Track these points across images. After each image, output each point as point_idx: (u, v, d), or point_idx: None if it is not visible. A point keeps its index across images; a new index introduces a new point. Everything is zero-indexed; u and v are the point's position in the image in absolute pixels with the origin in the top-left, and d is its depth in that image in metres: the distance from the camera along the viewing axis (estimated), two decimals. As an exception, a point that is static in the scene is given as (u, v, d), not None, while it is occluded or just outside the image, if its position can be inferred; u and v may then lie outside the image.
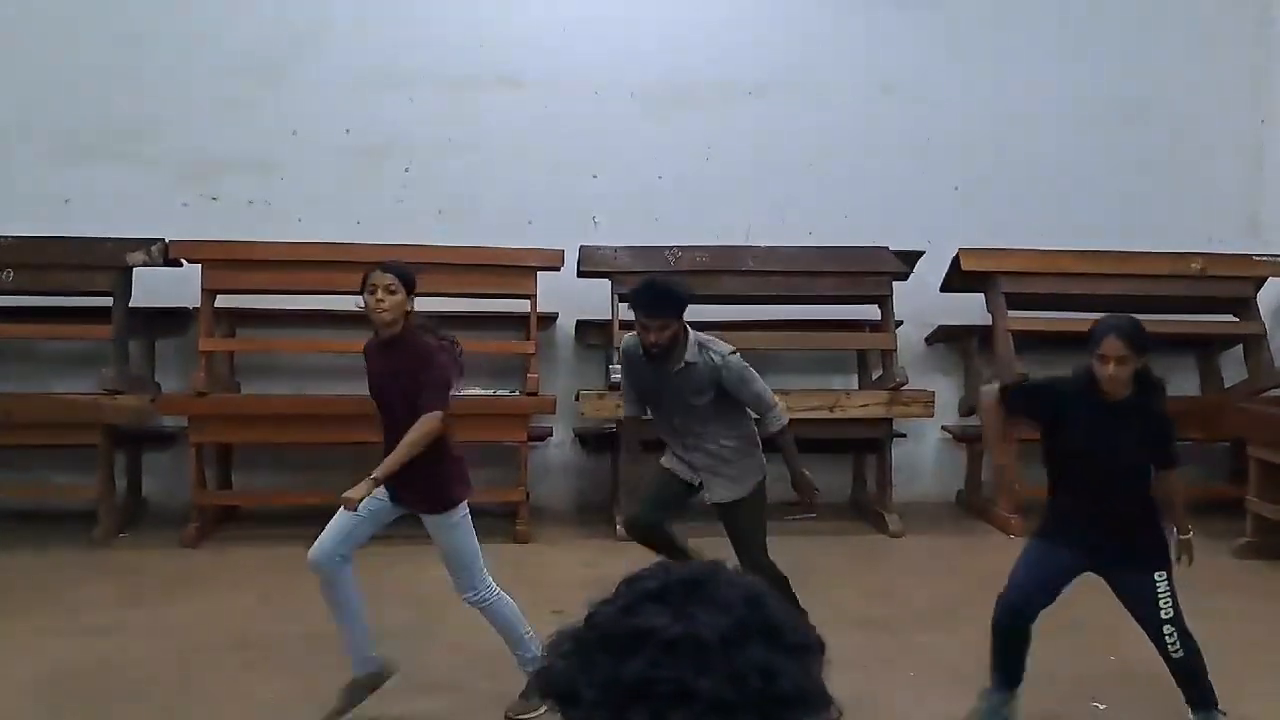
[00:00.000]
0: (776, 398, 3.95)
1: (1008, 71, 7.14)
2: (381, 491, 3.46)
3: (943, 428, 7.09)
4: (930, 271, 6.59)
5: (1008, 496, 6.34)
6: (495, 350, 6.64)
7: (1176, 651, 3.31)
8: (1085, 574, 3.40)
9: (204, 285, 6.05)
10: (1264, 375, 6.52)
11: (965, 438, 7.06)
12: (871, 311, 6.63)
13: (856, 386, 6.78)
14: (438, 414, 3.40)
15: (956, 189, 7.09)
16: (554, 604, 4.33)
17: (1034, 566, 3.39)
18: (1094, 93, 7.19)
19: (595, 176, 6.89)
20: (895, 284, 6.51)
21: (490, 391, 6.27)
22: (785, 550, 5.77)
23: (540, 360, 6.37)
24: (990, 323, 6.56)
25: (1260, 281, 6.74)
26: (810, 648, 0.91)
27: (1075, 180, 7.15)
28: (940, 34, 7.13)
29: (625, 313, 6.33)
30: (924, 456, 7.27)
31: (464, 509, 3.53)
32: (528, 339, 6.24)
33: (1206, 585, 4.99)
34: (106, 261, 5.98)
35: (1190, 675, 3.36)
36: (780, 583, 3.79)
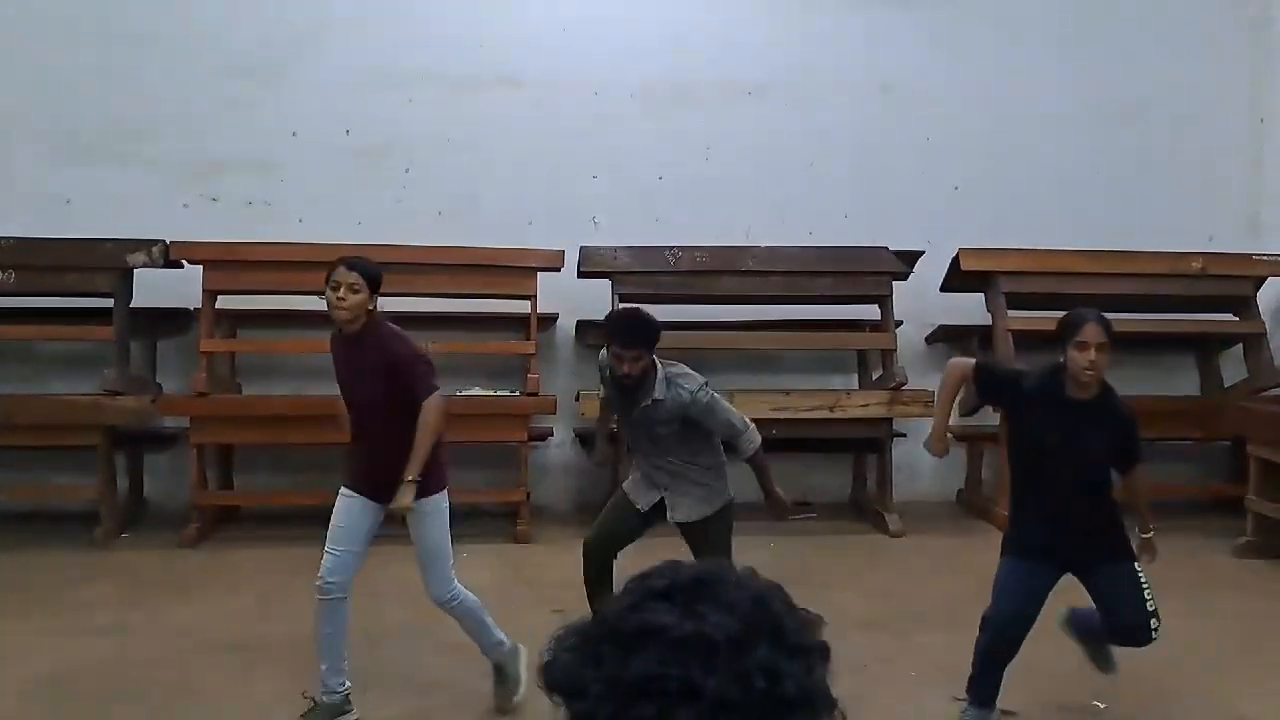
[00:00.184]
0: (748, 420, 3.92)
1: (1007, 71, 7.14)
2: (365, 506, 3.46)
3: (943, 427, 7.08)
4: (930, 271, 6.59)
5: (1006, 496, 6.34)
6: (495, 350, 6.65)
7: (1155, 637, 3.29)
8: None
9: (205, 286, 6.05)
10: (1264, 374, 6.53)
11: (965, 437, 7.06)
12: (871, 311, 6.63)
13: (857, 386, 6.78)
14: (437, 395, 3.43)
15: (956, 189, 7.10)
16: (554, 603, 4.35)
17: (1015, 590, 3.35)
18: (1094, 93, 7.19)
19: (595, 177, 6.89)
20: (895, 284, 6.52)
21: (490, 392, 6.27)
22: (786, 550, 5.81)
23: (540, 361, 6.37)
24: (990, 322, 6.57)
25: (1260, 281, 6.74)
26: (815, 649, 0.91)
27: (1075, 180, 7.16)
28: (940, 34, 7.14)
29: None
30: (924, 456, 7.13)
31: (444, 501, 3.53)
32: (528, 339, 6.24)
33: (1206, 584, 5.00)
34: (107, 262, 5.98)
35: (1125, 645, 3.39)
36: None
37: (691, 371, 3.86)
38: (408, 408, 3.43)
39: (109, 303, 6.00)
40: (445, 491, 3.54)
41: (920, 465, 7.26)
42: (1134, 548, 3.39)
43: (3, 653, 4.21)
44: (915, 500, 6.87)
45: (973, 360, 3.64)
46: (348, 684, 3.52)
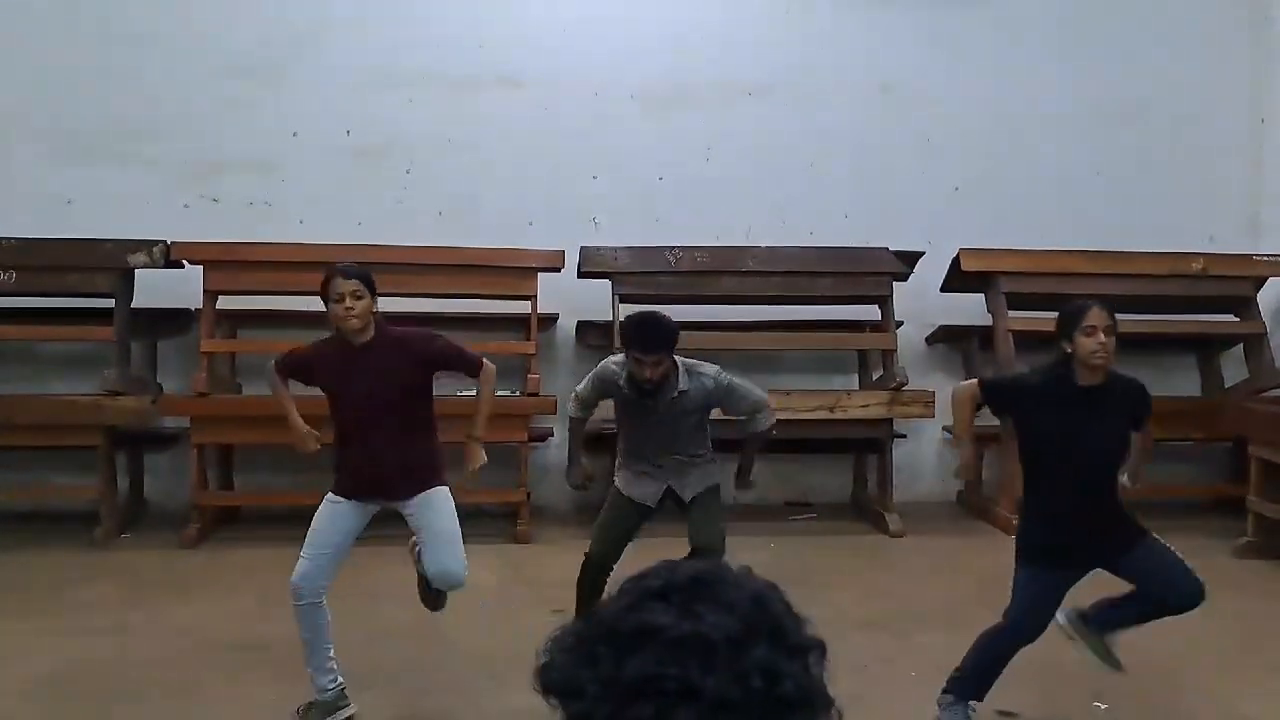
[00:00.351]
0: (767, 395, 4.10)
1: (1008, 72, 7.14)
2: (351, 511, 3.45)
3: (943, 428, 7.08)
4: (930, 272, 6.59)
5: (1008, 496, 6.34)
6: (496, 351, 6.61)
7: (1200, 584, 3.29)
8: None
9: (205, 286, 6.05)
10: (1264, 375, 6.53)
11: (966, 438, 7.06)
12: (872, 312, 6.63)
13: (857, 387, 6.78)
14: (485, 362, 3.60)
15: (957, 189, 7.10)
16: (554, 604, 4.34)
17: (1040, 600, 3.36)
18: (1094, 93, 7.19)
19: (595, 177, 6.90)
20: (895, 284, 6.52)
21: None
22: (786, 550, 5.81)
23: (541, 361, 6.37)
24: (990, 323, 6.56)
25: (1260, 281, 6.74)
26: (813, 649, 0.91)
27: (1075, 180, 7.16)
28: (940, 34, 7.14)
29: (625, 314, 6.34)
30: (924, 457, 7.27)
31: (450, 494, 3.57)
32: (528, 340, 6.24)
33: (1207, 585, 4.99)
34: (108, 263, 5.98)
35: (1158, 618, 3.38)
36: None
37: (702, 361, 3.97)
38: (416, 406, 3.50)
39: (109, 303, 6.01)
40: (446, 487, 3.57)
41: (921, 466, 7.27)
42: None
43: (3, 652, 4.22)
44: (916, 501, 6.87)
45: (974, 381, 3.64)
46: (339, 680, 3.51)
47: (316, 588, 3.43)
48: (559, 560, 5.62)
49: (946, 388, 6.93)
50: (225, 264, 6.07)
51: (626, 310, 6.26)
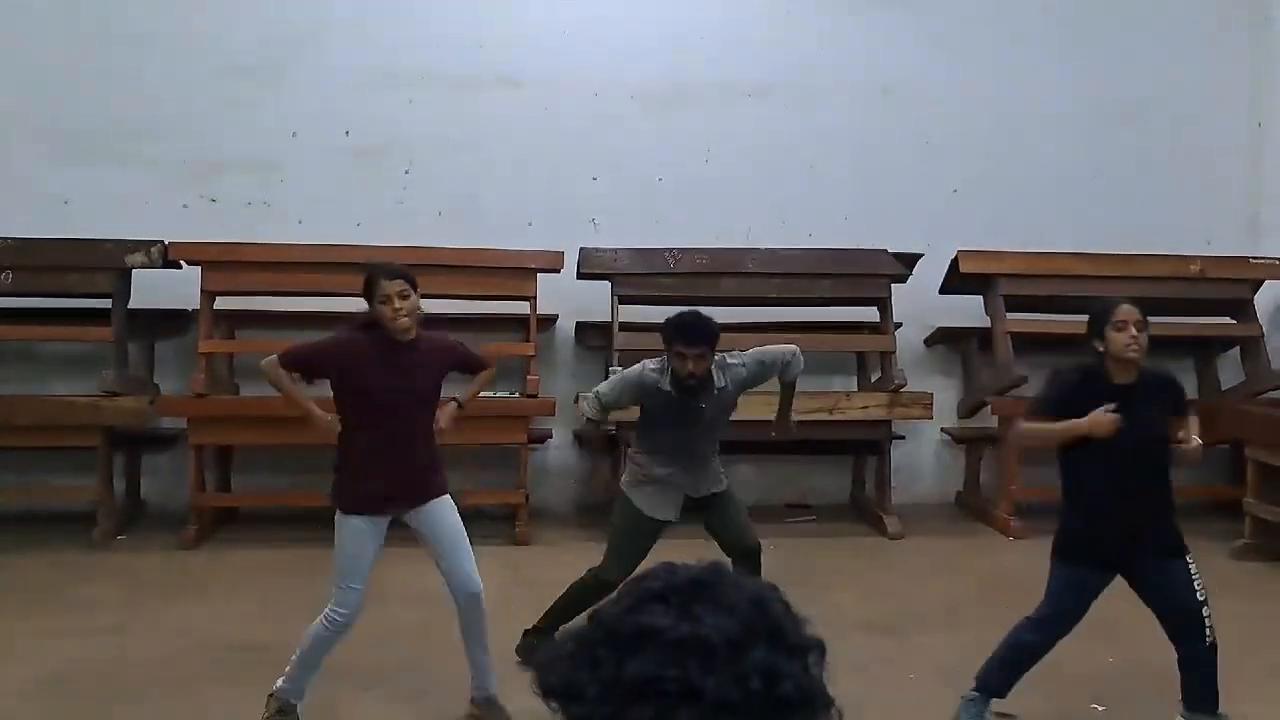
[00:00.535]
0: (787, 348, 4.21)
1: (1007, 73, 7.15)
2: (376, 525, 3.43)
3: (942, 430, 7.09)
4: (929, 273, 6.59)
5: (1006, 499, 6.35)
6: (495, 352, 6.61)
7: (1209, 636, 3.30)
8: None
9: (203, 287, 6.05)
10: (1261, 377, 6.54)
11: (964, 439, 7.07)
12: (870, 313, 6.64)
13: (856, 388, 6.78)
14: (490, 365, 3.75)
15: (955, 191, 7.11)
16: (553, 605, 4.34)
17: (1071, 602, 3.37)
18: (1092, 94, 7.20)
19: (595, 178, 6.90)
20: (894, 286, 6.52)
21: (490, 393, 6.26)
22: (785, 551, 5.81)
23: (540, 362, 6.37)
24: (989, 324, 6.57)
25: (1258, 284, 6.75)
26: (812, 650, 0.92)
27: (1074, 182, 7.16)
28: (940, 35, 7.14)
29: (625, 315, 6.36)
30: (923, 458, 7.28)
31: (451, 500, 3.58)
32: (527, 341, 6.24)
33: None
34: (106, 263, 5.98)
35: (1209, 665, 3.35)
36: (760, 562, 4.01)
37: (721, 353, 4.05)
38: (434, 408, 3.57)
39: (108, 303, 6.00)
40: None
41: (919, 467, 7.28)
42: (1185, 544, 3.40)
43: (2, 653, 4.22)
44: (914, 502, 6.87)
45: (1024, 422, 3.56)
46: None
47: (356, 616, 3.42)
48: (558, 562, 5.62)
49: (945, 389, 7.01)
50: (223, 264, 6.07)
51: (626, 311, 6.33)
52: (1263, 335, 6.64)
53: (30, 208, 6.41)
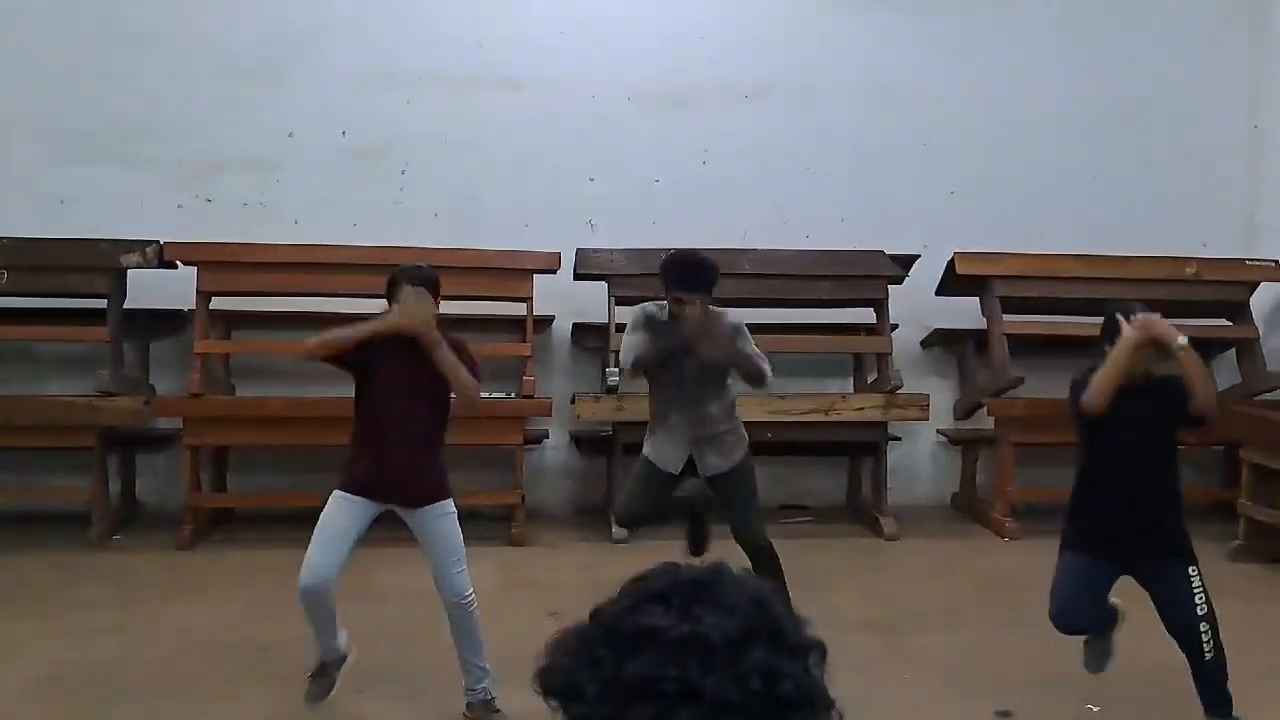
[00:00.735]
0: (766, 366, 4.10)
1: (1004, 75, 7.15)
2: (360, 505, 3.45)
3: (938, 431, 7.10)
4: (926, 275, 6.60)
5: (1002, 500, 6.36)
6: (492, 353, 6.63)
7: (1209, 650, 3.34)
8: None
9: (199, 287, 6.04)
10: (1257, 379, 6.55)
11: (960, 441, 7.08)
12: (867, 315, 6.64)
13: (852, 390, 6.78)
14: (478, 386, 3.56)
15: (953, 193, 7.11)
16: (550, 607, 4.35)
17: (1079, 588, 3.42)
18: (1090, 96, 7.21)
19: (592, 179, 6.89)
20: (891, 287, 6.53)
21: (486, 394, 6.25)
22: (783, 553, 5.79)
23: (536, 363, 6.37)
24: (985, 326, 6.58)
25: (1253, 286, 6.77)
26: (812, 650, 0.92)
27: (1071, 184, 7.17)
28: (938, 37, 7.15)
29: (621, 316, 6.35)
30: (919, 460, 7.28)
31: (452, 505, 3.57)
32: (524, 341, 6.24)
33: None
34: (102, 263, 5.97)
35: (1214, 676, 3.39)
36: (775, 560, 4.09)
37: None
38: (440, 408, 3.57)
39: (104, 303, 5.99)
40: (451, 499, 3.58)
41: (916, 468, 7.28)
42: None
43: (1, 653, 4.21)
44: (910, 504, 6.87)
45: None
46: (343, 636, 3.55)
47: (317, 583, 3.42)
48: (555, 563, 5.64)
49: (941, 391, 7.01)
50: (219, 265, 6.06)
51: (623, 312, 6.31)
52: (1259, 337, 6.66)
53: (28, 207, 6.40)
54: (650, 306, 4.15)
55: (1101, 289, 6.33)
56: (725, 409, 4.15)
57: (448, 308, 6.29)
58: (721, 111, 7.01)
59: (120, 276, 6.04)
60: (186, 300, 6.15)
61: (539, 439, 6.64)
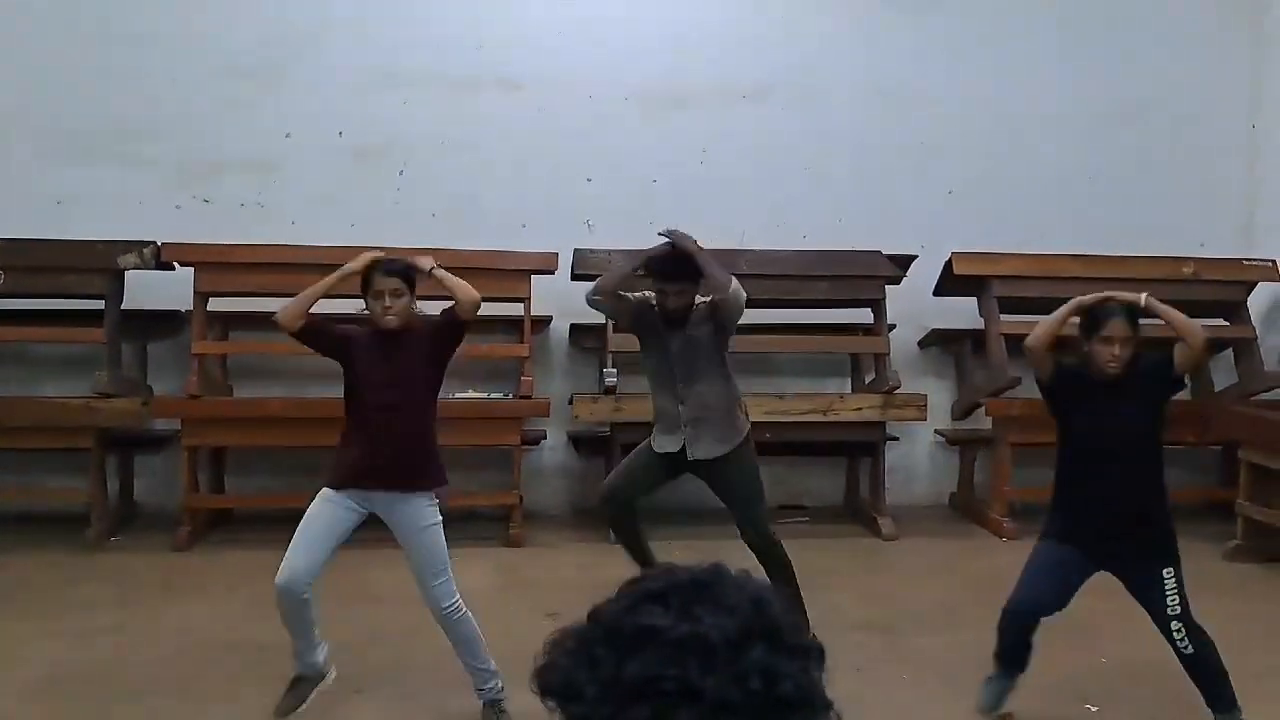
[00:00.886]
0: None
1: (1002, 75, 7.16)
2: (345, 506, 3.44)
3: (936, 431, 7.10)
4: (924, 275, 6.60)
5: (1000, 500, 6.37)
6: (489, 353, 6.64)
7: (1186, 648, 3.35)
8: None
9: (197, 288, 6.03)
10: (1254, 379, 6.56)
11: (958, 441, 7.08)
12: (865, 315, 6.65)
13: (850, 390, 6.79)
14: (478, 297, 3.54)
15: (951, 193, 7.11)
16: (548, 607, 4.35)
17: (1043, 573, 3.40)
18: (1088, 97, 7.21)
19: (590, 179, 6.89)
20: (889, 287, 6.53)
21: (484, 394, 6.27)
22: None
23: (534, 363, 6.37)
24: (983, 326, 6.58)
25: (1251, 286, 6.78)
26: (811, 650, 0.92)
27: (1069, 184, 7.18)
28: (936, 38, 7.16)
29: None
30: (917, 460, 7.29)
31: (438, 513, 3.52)
32: (522, 342, 6.24)
33: (1197, 589, 5.00)
34: (98, 264, 5.96)
35: (1203, 671, 3.40)
36: (784, 559, 4.09)
37: None
38: (428, 399, 3.54)
39: (101, 304, 5.99)
40: (437, 506, 3.53)
41: (914, 469, 7.29)
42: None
43: (0, 654, 4.21)
44: (909, 504, 6.88)
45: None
46: (322, 653, 3.53)
47: (308, 584, 3.42)
48: (552, 564, 5.63)
49: (939, 391, 7.02)
50: (216, 265, 6.06)
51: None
52: (1256, 337, 6.67)
53: (26, 208, 6.39)
54: (639, 293, 4.24)
55: (1099, 289, 6.29)
56: (720, 393, 4.12)
57: (444, 307, 6.35)
58: (720, 112, 7.01)
59: (118, 277, 6.04)
60: (184, 301, 6.15)
61: (537, 439, 6.64)
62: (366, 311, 3.54)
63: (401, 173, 6.82)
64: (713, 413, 4.10)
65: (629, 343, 6.01)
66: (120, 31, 6.58)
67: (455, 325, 3.59)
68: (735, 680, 0.85)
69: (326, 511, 3.45)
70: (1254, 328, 6.70)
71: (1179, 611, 3.34)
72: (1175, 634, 3.34)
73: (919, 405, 6.35)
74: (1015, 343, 6.39)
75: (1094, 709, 3.75)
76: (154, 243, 5.98)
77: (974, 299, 6.65)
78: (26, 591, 5.08)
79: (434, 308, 3.92)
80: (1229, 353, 6.89)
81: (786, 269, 6.52)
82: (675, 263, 3.98)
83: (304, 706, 3.53)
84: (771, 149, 7.01)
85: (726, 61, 7.00)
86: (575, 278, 6.38)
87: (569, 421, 6.54)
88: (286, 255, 5.96)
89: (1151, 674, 3.77)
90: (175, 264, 6.08)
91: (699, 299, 4.07)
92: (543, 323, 6.69)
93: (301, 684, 3.55)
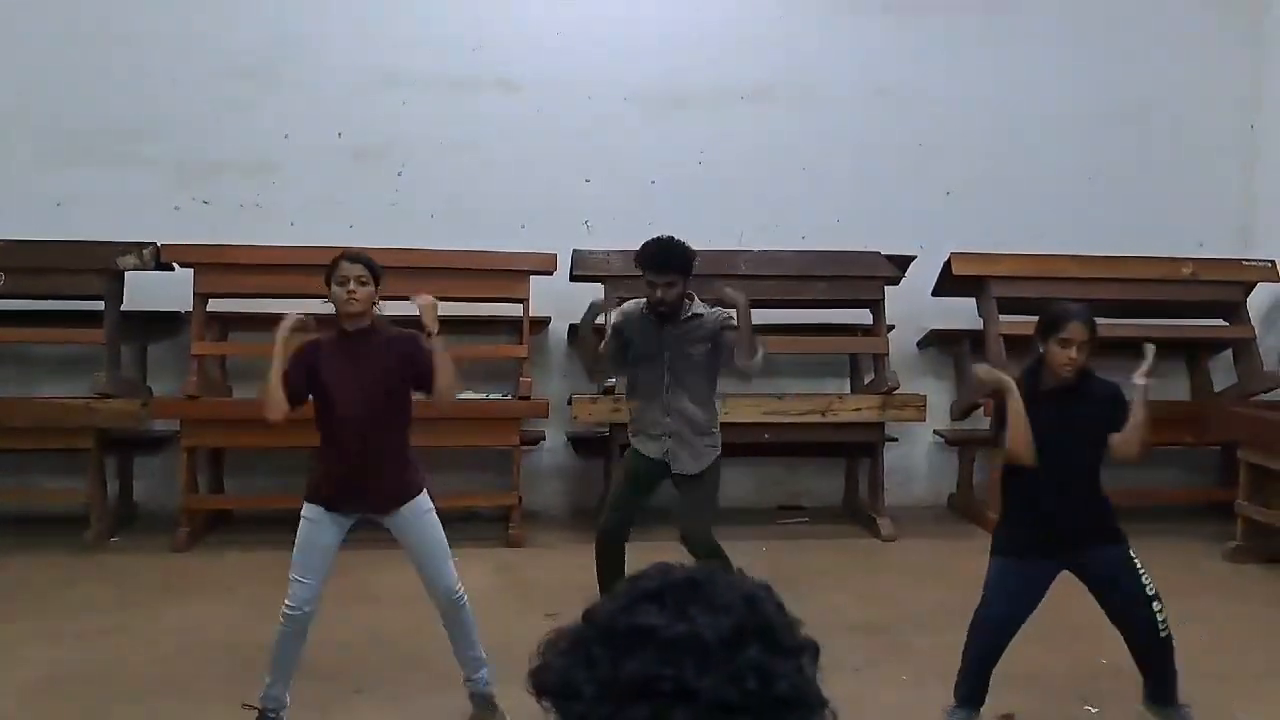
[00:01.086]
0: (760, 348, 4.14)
1: (1000, 76, 7.16)
2: (334, 522, 3.42)
3: (935, 431, 7.10)
4: (922, 275, 6.61)
5: (999, 501, 6.35)
6: (488, 354, 6.64)
7: (1164, 630, 3.32)
8: (1068, 578, 3.42)
9: (196, 289, 6.04)
10: (1253, 379, 6.56)
11: (957, 441, 7.08)
12: (864, 315, 6.65)
13: (849, 391, 6.79)
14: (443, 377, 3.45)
15: (949, 193, 7.12)
16: (547, 607, 4.36)
17: (1010, 593, 3.38)
18: (1087, 97, 7.21)
19: (588, 180, 6.89)
20: (887, 288, 6.53)
21: (483, 395, 6.27)
22: (778, 553, 5.81)
23: (533, 364, 6.37)
24: (982, 327, 6.58)
25: (1250, 286, 6.78)
26: (805, 650, 0.92)
27: (1067, 184, 7.18)
28: (934, 38, 7.16)
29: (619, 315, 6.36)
30: (916, 460, 7.29)
31: (429, 500, 3.53)
32: (520, 343, 6.24)
33: (1197, 589, 5.01)
34: (98, 265, 5.96)
35: (1167, 660, 3.38)
36: (722, 559, 4.02)
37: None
38: (401, 408, 3.48)
39: (100, 305, 5.99)
40: (426, 494, 3.53)
41: (913, 469, 7.29)
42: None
43: (0, 654, 4.21)
44: (908, 505, 6.88)
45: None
46: (287, 695, 3.49)
47: (313, 609, 3.43)
48: (551, 564, 5.63)
49: (938, 391, 7.02)
50: (215, 266, 6.06)
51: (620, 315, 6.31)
52: (1255, 337, 6.67)
53: (25, 209, 6.39)
54: (630, 305, 4.24)
55: (1098, 289, 6.35)
56: (704, 409, 4.16)
57: (446, 309, 6.34)
58: (719, 112, 7.01)
59: (117, 278, 6.04)
60: (183, 302, 6.15)
61: (536, 440, 6.64)
62: (330, 304, 3.47)
63: (400, 173, 6.83)
64: (694, 430, 4.13)
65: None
66: (120, 32, 6.58)
67: (421, 387, 3.53)
68: (731, 680, 0.85)
69: (323, 537, 3.42)
70: (1253, 328, 6.70)
71: (1155, 592, 3.33)
72: (1157, 615, 3.30)
73: (918, 406, 6.34)
74: (1014, 343, 6.43)
75: (1094, 709, 3.75)
76: (153, 244, 5.98)
77: (973, 299, 6.65)
78: (26, 592, 5.08)
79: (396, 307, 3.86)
80: (1228, 353, 6.90)
81: (785, 269, 6.52)
82: (663, 254, 4.00)
83: None
84: (770, 149, 7.01)
85: (725, 62, 7.00)
86: (574, 278, 6.38)
87: (568, 422, 6.53)
88: (286, 256, 5.97)
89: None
90: (174, 265, 6.09)
91: (720, 317, 4.09)
92: (541, 323, 6.69)
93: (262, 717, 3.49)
